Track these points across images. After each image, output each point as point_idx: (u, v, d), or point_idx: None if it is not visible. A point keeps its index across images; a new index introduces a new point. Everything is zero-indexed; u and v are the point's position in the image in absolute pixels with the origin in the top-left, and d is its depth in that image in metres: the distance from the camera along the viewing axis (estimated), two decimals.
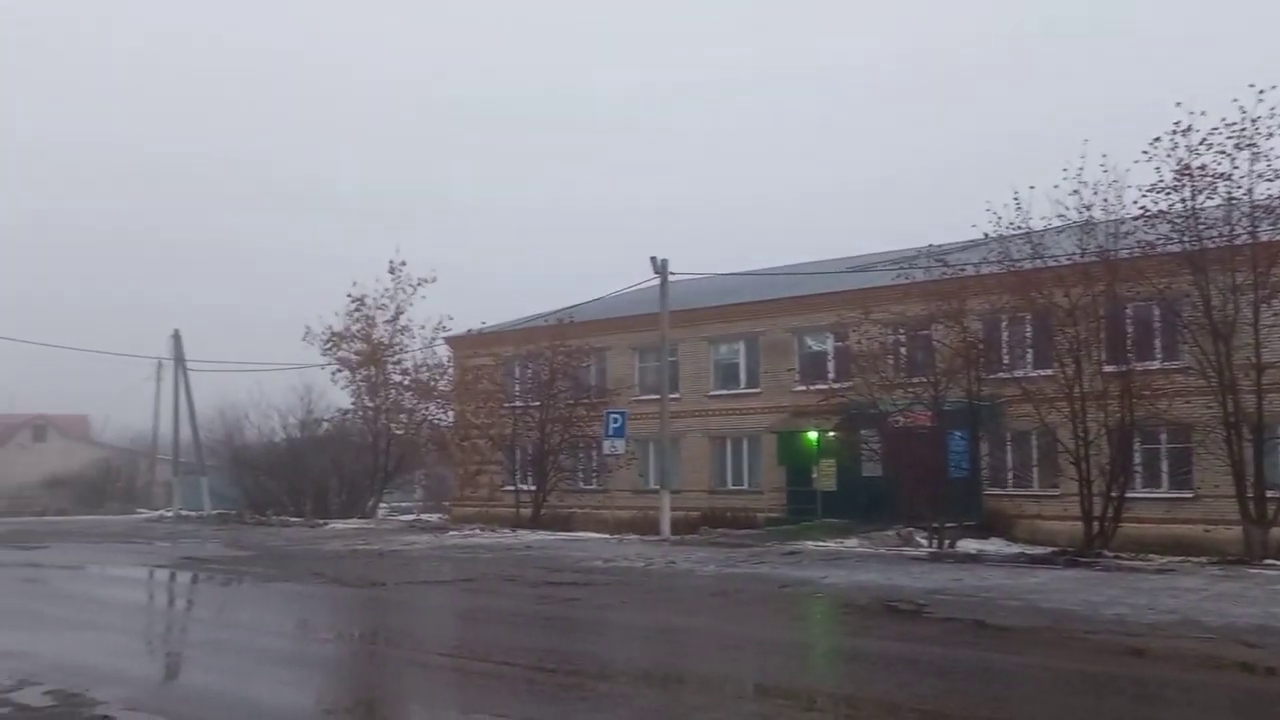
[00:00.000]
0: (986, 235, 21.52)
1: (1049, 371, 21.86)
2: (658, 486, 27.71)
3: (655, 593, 14.68)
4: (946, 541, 21.28)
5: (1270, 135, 18.52)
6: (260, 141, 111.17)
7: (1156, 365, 21.83)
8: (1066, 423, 21.03)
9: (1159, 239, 19.68)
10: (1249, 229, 19.07)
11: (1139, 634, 10.28)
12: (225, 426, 43.32)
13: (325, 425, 39.00)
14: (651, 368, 32.32)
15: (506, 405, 33.18)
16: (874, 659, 9.20)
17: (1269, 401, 19.32)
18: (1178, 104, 18.89)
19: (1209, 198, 19.32)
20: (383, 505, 38.49)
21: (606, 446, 28.89)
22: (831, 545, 21.63)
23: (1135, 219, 20.08)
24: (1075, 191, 20.28)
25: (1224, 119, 18.58)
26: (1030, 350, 23.19)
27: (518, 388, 33.99)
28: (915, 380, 23.30)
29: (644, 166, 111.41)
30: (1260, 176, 18.79)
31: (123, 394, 56.34)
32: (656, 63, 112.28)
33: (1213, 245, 19.33)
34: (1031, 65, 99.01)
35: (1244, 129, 18.53)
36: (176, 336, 43.72)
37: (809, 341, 30.67)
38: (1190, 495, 23.09)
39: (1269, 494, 19.18)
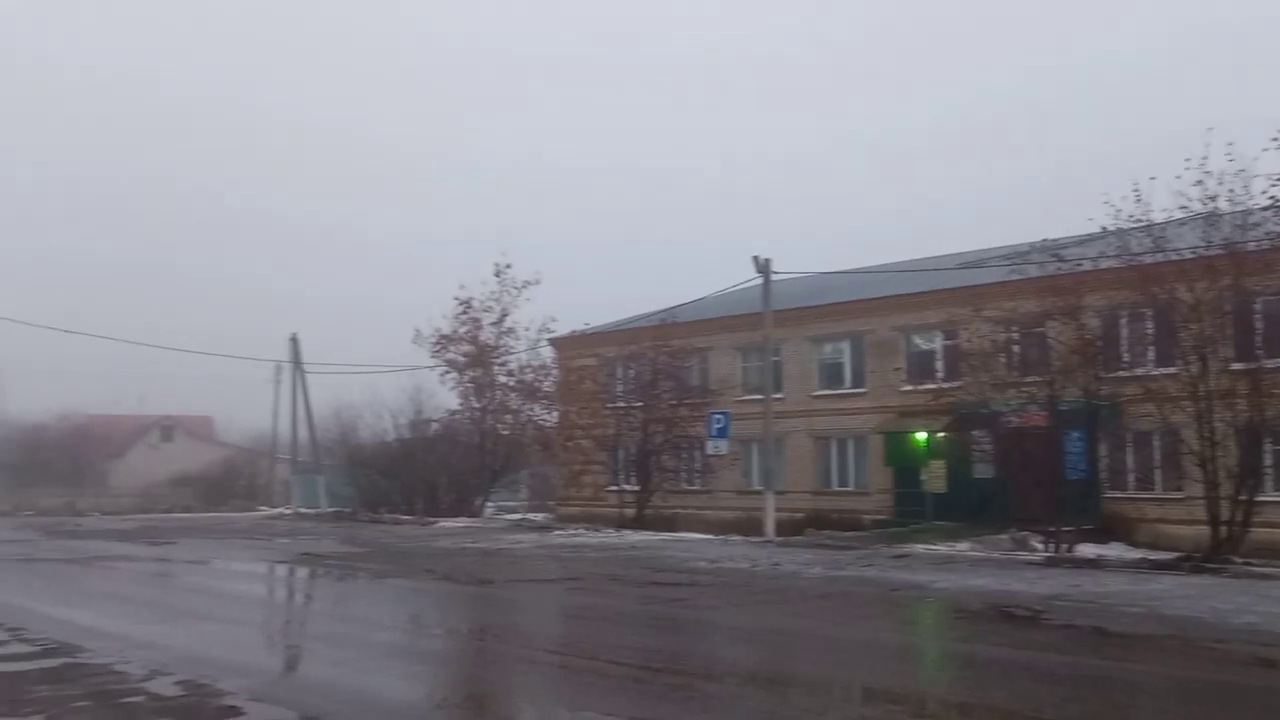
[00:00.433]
0: (1104, 229, 20.86)
1: (1172, 369, 20.98)
2: (761, 487, 27.55)
3: (761, 594, 14.60)
4: (1063, 546, 20.64)
5: None
6: (382, 122, 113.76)
7: None
8: (1191, 423, 20.16)
9: None
10: None
11: (1271, 644, 9.84)
12: (340, 426, 44.68)
13: (434, 425, 39.90)
14: (755, 367, 32.15)
15: (609, 406, 33.44)
16: (988, 665, 8.97)
17: None
18: None
19: None
20: (489, 504, 39.18)
21: (710, 447, 28.90)
22: (942, 549, 21.24)
23: (1264, 209, 19.17)
24: (1199, 182, 19.41)
25: None
26: (1152, 347, 22.38)
27: (620, 388, 34.24)
28: (1029, 379, 22.70)
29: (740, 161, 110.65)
30: None
31: (245, 395, 58.72)
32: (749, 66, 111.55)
33: None
34: (1153, 57, 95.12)
35: None
36: (294, 340, 45.46)
37: (917, 340, 30.12)
38: None
39: None
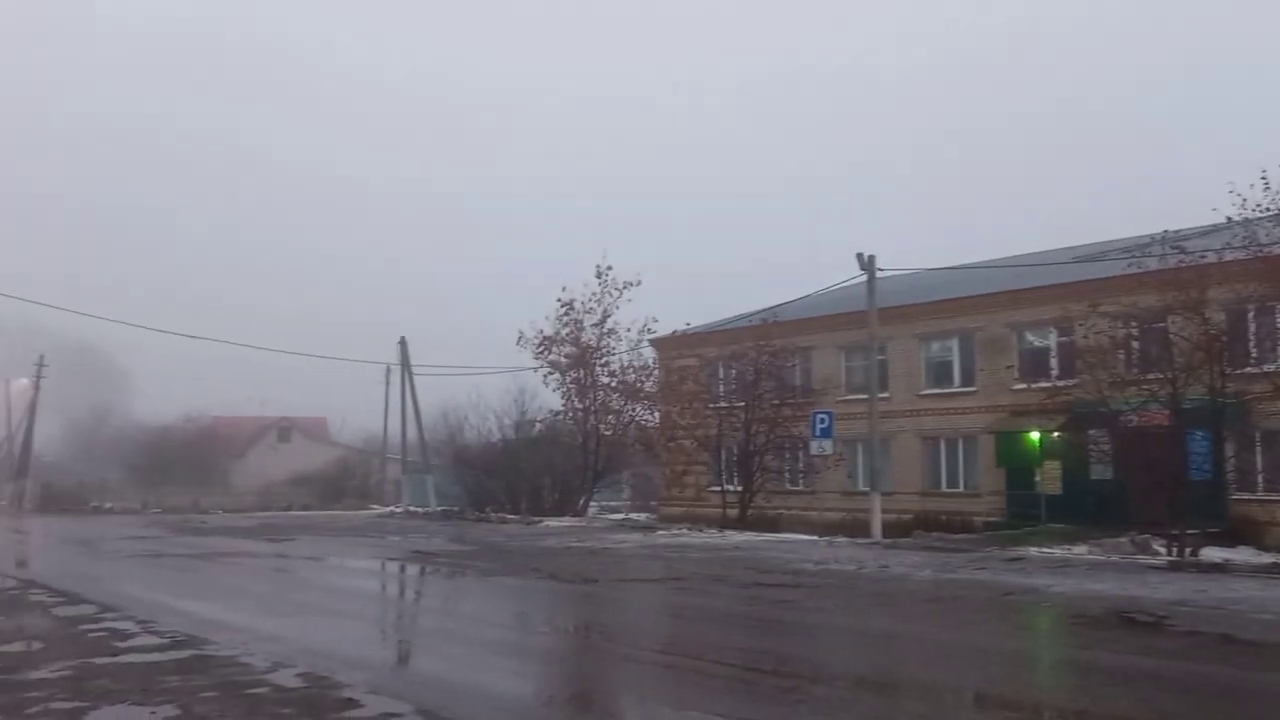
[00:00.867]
0: (1230, 219, 19.98)
1: None
2: (867, 488, 27.13)
3: (869, 597, 14.37)
4: (1187, 550, 19.76)
5: None
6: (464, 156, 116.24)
7: None
8: None
9: None
10: None
11: None
12: (448, 427, 45.66)
13: (538, 426, 40.38)
14: (859, 366, 31.68)
15: (711, 406, 33.39)
16: (1109, 672, 8.64)
17: None
18: None
19: None
20: (592, 504, 39.48)
21: (813, 447, 28.61)
22: (1058, 552, 20.61)
23: None
24: None
25: None
26: None
27: (722, 388, 34.15)
28: (1150, 376, 21.87)
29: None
30: None
31: (358, 397, 60.45)
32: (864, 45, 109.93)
33: None
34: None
35: None
36: (403, 343, 46.61)
37: (1029, 337, 29.28)
38: None
39: None
